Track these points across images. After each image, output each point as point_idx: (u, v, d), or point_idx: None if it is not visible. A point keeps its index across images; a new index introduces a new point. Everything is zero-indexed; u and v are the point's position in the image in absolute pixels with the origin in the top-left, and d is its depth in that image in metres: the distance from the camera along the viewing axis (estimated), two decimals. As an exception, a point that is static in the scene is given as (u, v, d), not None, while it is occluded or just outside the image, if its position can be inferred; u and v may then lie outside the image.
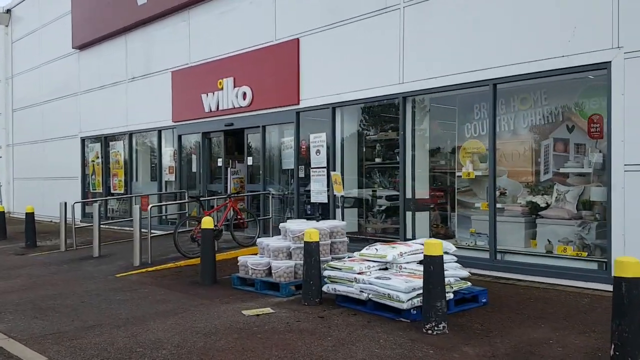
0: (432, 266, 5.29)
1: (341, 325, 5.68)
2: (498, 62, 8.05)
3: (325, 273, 6.54)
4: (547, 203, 8.34)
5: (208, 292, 7.51)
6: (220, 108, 12.90)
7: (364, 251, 6.56)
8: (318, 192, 10.80)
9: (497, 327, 5.53)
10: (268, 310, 6.35)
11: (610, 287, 4.67)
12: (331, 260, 6.99)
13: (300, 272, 7.22)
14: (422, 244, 6.42)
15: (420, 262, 6.40)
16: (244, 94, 12.24)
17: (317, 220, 10.46)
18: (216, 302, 6.90)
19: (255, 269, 7.40)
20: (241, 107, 12.34)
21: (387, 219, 10.63)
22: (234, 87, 12.49)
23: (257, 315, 6.16)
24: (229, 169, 13.82)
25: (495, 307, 6.32)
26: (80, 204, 16.73)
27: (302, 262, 7.17)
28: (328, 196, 10.57)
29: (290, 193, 11.81)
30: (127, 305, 6.86)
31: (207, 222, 8.13)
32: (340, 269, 6.36)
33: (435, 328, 5.26)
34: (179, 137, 14.49)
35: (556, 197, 8.28)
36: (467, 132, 9.51)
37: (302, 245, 7.17)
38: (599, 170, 7.70)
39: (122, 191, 16.87)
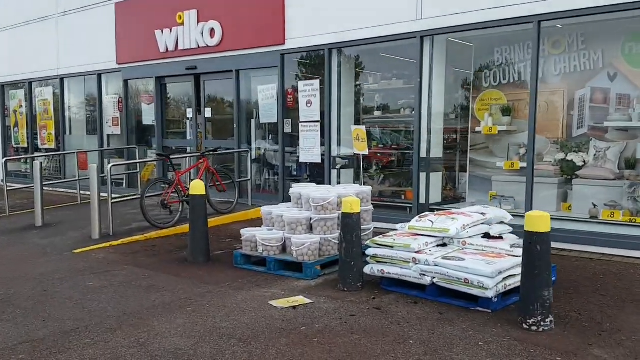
0: (539, 246, 4.14)
1: (411, 320, 4.46)
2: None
3: (370, 251, 5.25)
4: (584, 161, 7.43)
5: (206, 273, 6.03)
6: (180, 48, 10.98)
7: (414, 223, 5.31)
8: (309, 150, 9.38)
9: (599, 316, 4.52)
10: (302, 299, 5.00)
11: None
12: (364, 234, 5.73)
13: (325, 249, 5.91)
14: (482, 213, 5.29)
15: (485, 236, 5.27)
16: (212, 31, 10.41)
17: (307, 182, 9.16)
18: (225, 287, 5.46)
19: (267, 245, 5.99)
20: (208, 46, 10.51)
21: (392, 181, 9.45)
22: (198, 22, 10.61)
23: (293, 307, 4.81)
24: (188, 122, 12.04)
25: (569, 286, 5.34)
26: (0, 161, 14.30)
27: (327, 236, 5.87)
28: (322, 155, 9.19)
29: (272, 151, 10.31)
30: (109, 295, 5.28)
31: (198, 187, 6.55)
32: (391, 247, 5.08)
33: (542, 324, 4.15)
34: (125, 82, 12.43)
35: (594, 155, 7.38)
36: (485, 80, 8.39)
37: (328, 216, 5.87)
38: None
39: (53, 146, 14.58)
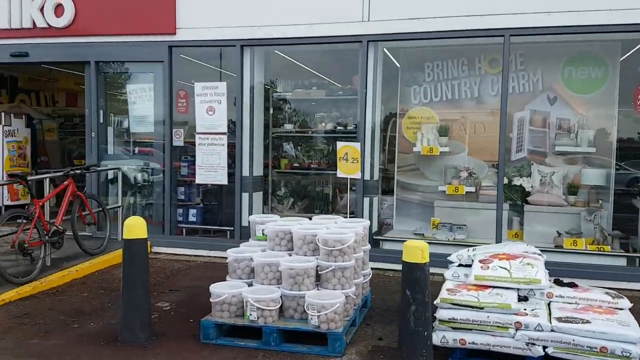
0: None
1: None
2: (511, 8, 6.33)
3: (442, 314, 3.88)
4: (532, 187, 7.14)
5: (168, 361, 3.94)
6: (1, 26, 7.92)
7: (481, 272, 4.09)
8: (210, 168, 7.43)
9: None
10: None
11: None
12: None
13: (351, 310, 4.36)
14: (536, 253, 4.42)
15: (557, 283, 4.35)
16: (58, 7, 7.70)
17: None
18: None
19: (263, 309, 4.16)
20: (50, 27, 7.75)
21: (302, 205, 8.05)
22: (38, -6, 7.78)
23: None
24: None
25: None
26: None
27: (347, 291, 4.33)
28: (230, 175, 7.34)
29: (145, 169, 7.99)
30: None
31: (137, 227, 4.30)
32: (479, 308, 3.80)
33: None
34: None
35: (540, 180, 7.15)
36: (415, 97, 7.65)
37: (346, 264, 4.34)
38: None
39: None
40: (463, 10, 6.40)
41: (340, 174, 6.29)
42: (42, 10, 7.72)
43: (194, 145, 7.48)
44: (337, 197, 7.93)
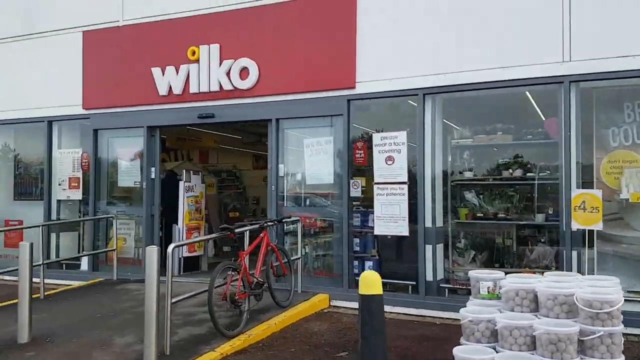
0: None
1: None
2: None
3: None
4: None
5: None
6: (191, 91, 8.47)
7: None
8: (389, 219, 7.27)
9: None
10: None
11: None
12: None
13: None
14: None
15: None
16: (244, 71, 8.11)
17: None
18: None
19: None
20: (236, 89, 8.16)
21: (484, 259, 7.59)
22: (221, 59, 8.25)
23: None
24: (182, 182, 9.36)
25: None
26: None
27: None
28: (411, 226, 7.13)
29: (326, 221, 8.00)
30: None
31: (372, 281, 4.18)
32: None
33: None
34: (95, 132, 9.48)
35: None
36: (614, 139, 7.01)
37: (616, 329, 3.83)
38: None
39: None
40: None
41: (575, 225, 5.81)
42: (228, 74, 8.17)
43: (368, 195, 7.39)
44: (527, 249, 7.39)
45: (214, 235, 6.03)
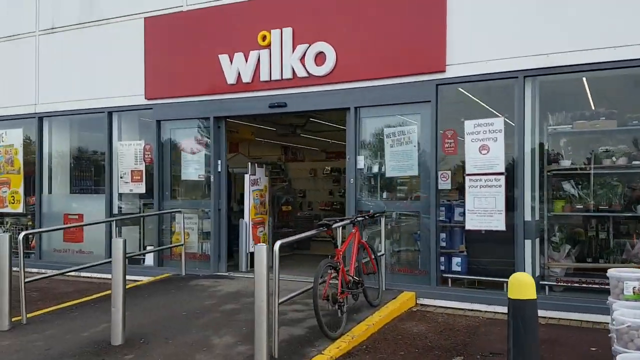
0: None
1: None
2: None
3: None
4: None
5: None
6: (262, 79, 8.07)
7: None
8: (483, 212, 6.80)
9: None
10: None
11: None
12: None
13: None
14: None
15: None
16: (319, 56, 7.68)
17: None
18: None
19: None
20: (311, 76, 7.74)
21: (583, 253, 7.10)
22: (294, 44, 7.84)
23: None
24: (247, 175, 9.00)
25: None
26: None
27: None
28: (508, 220, 6.65)
29: (411, 214, 7.56)
30: None
31: (526, 284, 3.75)
32: None
33: None
34: (159, 123, 9.15)
35: None
36: None
37: None
38: None
39: (20, 210, 10.70)
40: None
41: None
42: (302, 60, 7.75)
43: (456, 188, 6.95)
44: (632, 243, 6.86)
45: (313, 231, 5.61)
